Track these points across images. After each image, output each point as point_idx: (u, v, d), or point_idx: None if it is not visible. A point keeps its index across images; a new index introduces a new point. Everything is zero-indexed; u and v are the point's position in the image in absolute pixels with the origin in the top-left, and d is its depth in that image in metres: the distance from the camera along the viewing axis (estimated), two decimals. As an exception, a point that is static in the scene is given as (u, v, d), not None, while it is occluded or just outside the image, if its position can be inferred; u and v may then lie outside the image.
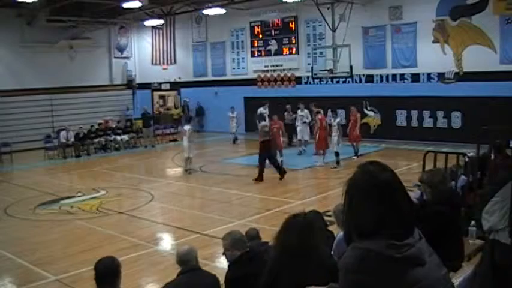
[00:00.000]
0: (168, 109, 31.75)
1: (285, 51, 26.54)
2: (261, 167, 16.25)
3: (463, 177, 8.84)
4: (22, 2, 20.69)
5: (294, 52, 26.20)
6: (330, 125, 18.77)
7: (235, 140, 25.27)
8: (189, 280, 5.09)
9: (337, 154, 17.83)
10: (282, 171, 16.32)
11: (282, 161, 17.91)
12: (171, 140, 27.13)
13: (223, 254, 5.33)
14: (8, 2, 21.56)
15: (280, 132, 18.88)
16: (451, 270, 4.64)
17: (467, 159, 9.39)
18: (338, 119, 18.49)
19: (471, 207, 7.91)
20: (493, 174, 8.38)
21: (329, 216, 6.55)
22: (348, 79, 23.16)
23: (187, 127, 18.86)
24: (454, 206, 5.67)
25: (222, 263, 7.43)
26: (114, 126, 26.31)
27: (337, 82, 24.14)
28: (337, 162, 17.79)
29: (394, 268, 2.18)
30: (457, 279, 4.45)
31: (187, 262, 5.20)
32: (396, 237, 2.21)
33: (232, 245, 5.20)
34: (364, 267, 2.19)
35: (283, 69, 26.84)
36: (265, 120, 21.74)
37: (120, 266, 4.75)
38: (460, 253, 5.64)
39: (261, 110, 22.24)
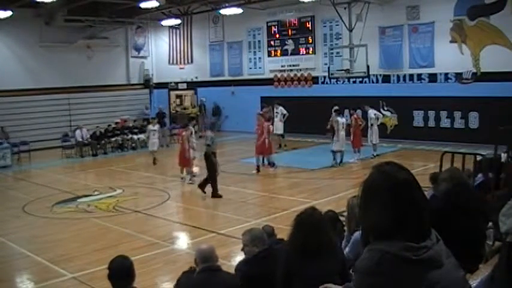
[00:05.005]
0: (184, 108, 31.84)
1: (301, 51, 26.47)
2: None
3: (479, 175, 8.77)
4: (40, 2, 20.81)
5: (310, 52, 26.13)
6: (348, 125, 19.29)
7: (154, 161, 20.54)
8: (206, 279, 5.00)
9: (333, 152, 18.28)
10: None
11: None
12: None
13: (242, 249, 5.36)
14: (26, 2, 21.71)
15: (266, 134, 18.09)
16: (468, 272, 4.60)
17: (479, 158, 9.34)
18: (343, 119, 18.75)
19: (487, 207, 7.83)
20: (510, 176, 8.31)
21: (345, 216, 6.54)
22: (364, 79, 23.13)
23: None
24: (457, 205, 5.52)
25: (238, 262, 7.43)
26: (131, 125, 26.43)
27: (354, 82, 24.07)
28: (336, 161, 18.24)
29: (412, 270, 2.17)
30: (474, 280, 4.41)
31: (207, 260, 5.06)
32: (414, 239, 2.19)
33: (251, 242, 5.22)
34: (381, 270, 2.18)
35: (300, 69, 26.77)
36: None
37: (133, 265, 4.78)
38: (474, 254, 5.56)
39: (281, 109, 22.40)
